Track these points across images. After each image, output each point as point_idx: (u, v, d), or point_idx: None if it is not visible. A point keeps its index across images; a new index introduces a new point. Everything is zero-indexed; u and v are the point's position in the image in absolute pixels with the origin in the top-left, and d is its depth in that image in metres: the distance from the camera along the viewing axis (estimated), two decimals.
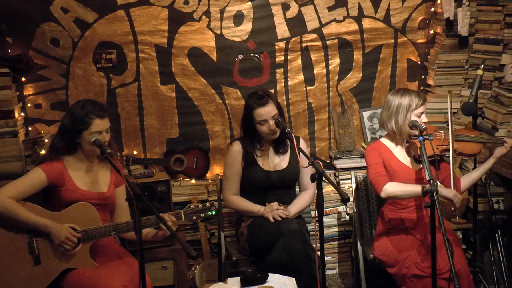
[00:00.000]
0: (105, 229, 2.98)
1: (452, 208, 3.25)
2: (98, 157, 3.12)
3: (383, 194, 3.25)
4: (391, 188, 3.24)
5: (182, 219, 3.03)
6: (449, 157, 3.28)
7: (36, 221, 2.90)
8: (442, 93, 4.33)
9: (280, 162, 3.59)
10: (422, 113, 3.30)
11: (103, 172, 3.17)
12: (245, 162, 3.56)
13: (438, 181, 3.47)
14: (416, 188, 3.18)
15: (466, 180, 3.37)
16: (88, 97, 4.07)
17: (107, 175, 3.17)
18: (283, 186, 3.59)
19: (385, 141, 3.44)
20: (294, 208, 3.54)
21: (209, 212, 3.07)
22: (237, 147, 3.58)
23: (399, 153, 3.40)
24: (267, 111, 3.43)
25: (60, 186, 3.02)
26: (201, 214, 3.06)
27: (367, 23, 4.31)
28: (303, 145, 3.64)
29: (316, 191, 2.91)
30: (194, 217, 3.06)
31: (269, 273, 3.02)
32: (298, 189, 3.76)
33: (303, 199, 3.62)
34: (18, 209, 2.88)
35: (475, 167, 3.65)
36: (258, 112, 3.44)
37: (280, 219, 3.39)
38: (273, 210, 3.44)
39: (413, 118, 3.27)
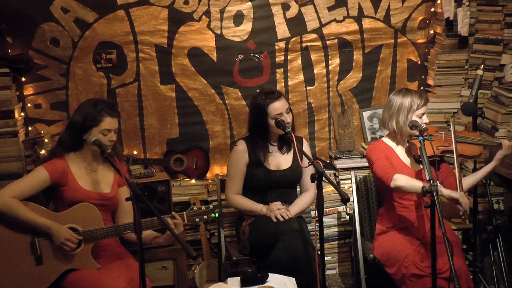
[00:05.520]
0: (107, 230, 2.97)
1: (461, 213, 3.19)
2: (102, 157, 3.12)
3: (392, 184, 3.20)
4: (400, 179, 3.19)
5: (185, 221, 3.03)
6: (450, 157, 3.29)
7: (38, 221, 2.90)
8: (442, 93, 4.34)
9: (284, 161, 3.59)
10: (423, 114, 3.29)
11: (106, 172, 3.17)
12: (250, 161, 3.56)
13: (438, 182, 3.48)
14: (420, 184, 3.13)
15: (468, 182, 3.36)
16: (88, 97, 4.08)
17: (110, 175, 3.17)
18: (285, 185, 3.60)
19: (387, 141, 3.44)
20: (295, 208, 3.55)
21: (212, 214, 3.08)
22: (242, 146, 3.59)
23: (400, 153, 3.40)
24: (282, 105, 3.47)
25: (63, 185, 3.02)
26: (204, 216, 3.07)
27: (367, 23, 4.31)
28: (306, 146, 3.65)
29: (314, 187, 2.91)
30: (197, 219, 3.06)
31: (269, 273, 3.02)
32: (299, 190, 3.76)
33: (304, 200, 3.63)
34: (21, 209, 2.88)
35: (475, 168, 3.65)
36: (274, 107, 3.45)
37: (282, 219, 3.40)
38: (276, 210, 3.45)
39: (414, 118, 3.26)
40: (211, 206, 3.09)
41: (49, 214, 2.96)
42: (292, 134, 3.31)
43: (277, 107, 3.45)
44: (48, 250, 2.93)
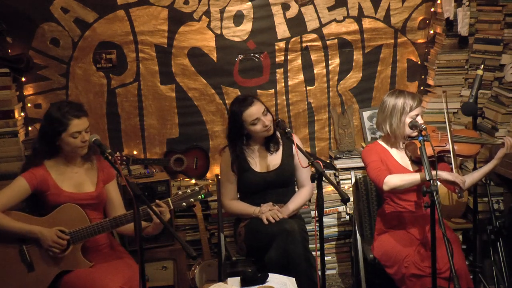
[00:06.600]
0: (93, 228, 2.95)
1: (457, 190, 3.20)
2: (82, 157, 3.11)
3: (385, 187, 3.20)
4: (392, 180, 3.19)
5: (171, 207, 2.97)
6: (449, 157, 3.28)
7: (23, 229, 2.90)
8: (442, 93, 4.33)
9: (273, 161, 3.58)
10: (417, 115, 3.27)
11: (88, 172, 3.15)
12: (238, 168, 3.56)
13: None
14: (415, 176, 3.15)
15: (468, 181, 3.35)
16: (88, 97, 4.10)
17: (93, 174, 3.16)
18: (280, 185, 3.58)
19: (382, 143, 3.43)
20: (292, 205, 3.54)
21: (199, 196, 3.02)
22: (228, 153, 3.59)
23: (396, 154, 3.39)
24: (257, 109, 3.44)
25: (45, 191, 3.00)
26: (191, 199, 3.01)
27: (367, 23, 4.31)
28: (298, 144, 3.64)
29: (314, 187, 2.90)
30: (183, 204, 3.00)
31: (269, 273, 3.02)
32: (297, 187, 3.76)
33: (301, 196, 3.61)
34: (4, 220, 2.88)
35: (475, 167, 3.65)
36: (249, 113, 3.43)
37: (273, 220, 3.38)
38: (267, 212, 3.43)
39: (408, 120, 3.25)
40: (196, 188, 3.03)
41: (33, 220, 2.95)
42: (293, 134, 3.30)
43: (252, 112, 3.43)
44: (38, 256, 2.93)
